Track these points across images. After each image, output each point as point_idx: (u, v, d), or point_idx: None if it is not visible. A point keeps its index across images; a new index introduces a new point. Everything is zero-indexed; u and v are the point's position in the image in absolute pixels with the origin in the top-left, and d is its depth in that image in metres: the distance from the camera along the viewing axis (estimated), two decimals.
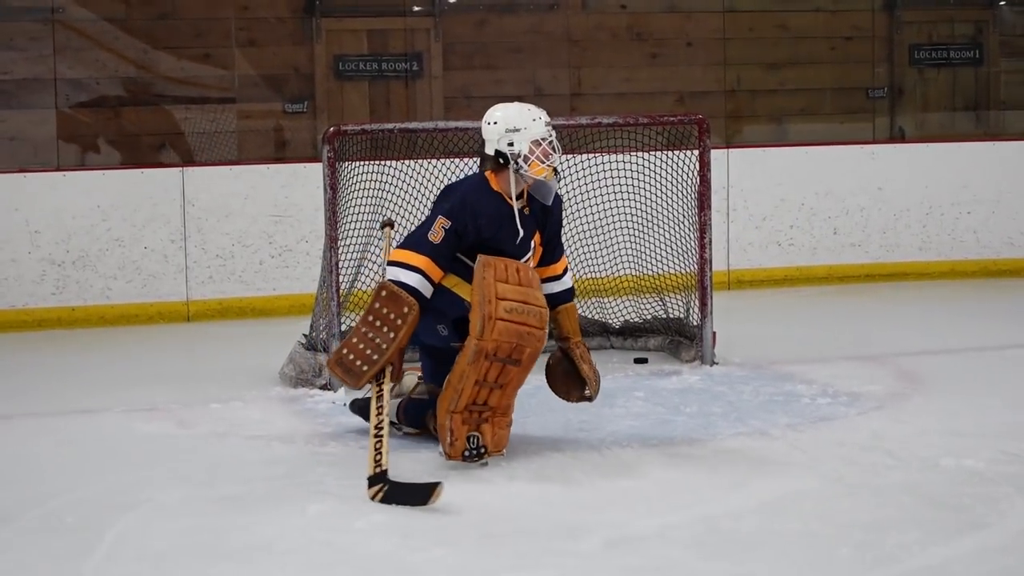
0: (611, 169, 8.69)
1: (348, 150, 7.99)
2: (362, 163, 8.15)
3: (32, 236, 9.95)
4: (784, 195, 11.36)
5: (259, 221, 10.29)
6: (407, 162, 8.39)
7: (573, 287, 6.66)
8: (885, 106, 13.80)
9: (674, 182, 8.56)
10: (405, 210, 8.38)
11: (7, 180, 10.13)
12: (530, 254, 6.35)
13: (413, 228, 6.54)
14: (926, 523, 5.26)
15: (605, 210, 8.91)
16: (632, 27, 13.23)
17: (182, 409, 7.39)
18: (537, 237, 6.39)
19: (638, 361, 8.36)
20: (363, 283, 8.36)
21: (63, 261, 10.00)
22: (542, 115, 6.25)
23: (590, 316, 8.86)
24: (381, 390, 6.07)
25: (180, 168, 10.37)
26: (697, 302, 8.32)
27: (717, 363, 8.19)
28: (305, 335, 8.08)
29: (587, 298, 8.87)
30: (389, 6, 12.81)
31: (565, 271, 6.60)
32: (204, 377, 8.20)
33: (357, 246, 8.19)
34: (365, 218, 8.19)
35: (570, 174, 8.62)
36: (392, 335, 6.04)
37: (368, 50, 12.74)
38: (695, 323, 8.34)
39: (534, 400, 7.35)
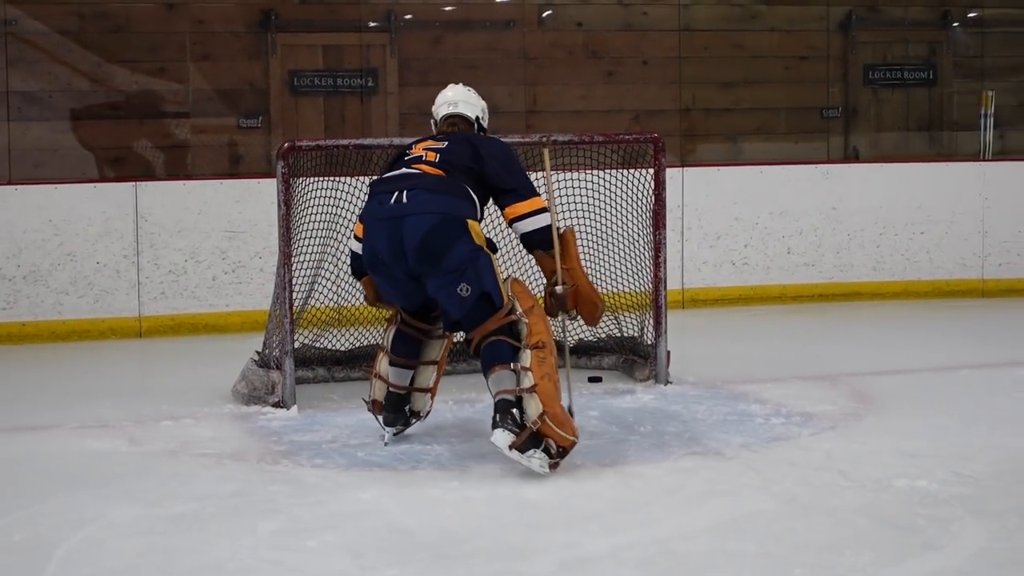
0: (566, 187, 8.69)
1: (302, 166, 7.97)
2: (317, 179, 8.15)
3: None
4: (738, 214, 11.40)
5: (212, 237, 10.26)
6: (362, 178, 8.35)
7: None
8: (839, 126, 13.86)
9: (629, 200, 8.57)
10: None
11: None
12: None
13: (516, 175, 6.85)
14: (880, 544, 5.27)
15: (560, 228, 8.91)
16: (588, 45, 13.27)
17: (134, 426, 7.34)
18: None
19: (592, 380, 8.35)
20: (317, 300, 8.34)
21: (14, 276, 9.94)
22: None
23: None
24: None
25: (133, 183, 10.33)
26: (651, 321, 8.32)
27: (671, 382, 8.19)
28: (258, 352, 8.05)
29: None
30: (345, 22, 12.80)
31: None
32: (156, 394, 8.14)
33: (311, 263, 8.18)
34: (319, 234, 8.18)
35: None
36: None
37: (323, 65, 12.74)
38: (649, 342, 8.34)
39: (487, 420, 7.36)
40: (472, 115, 7.11)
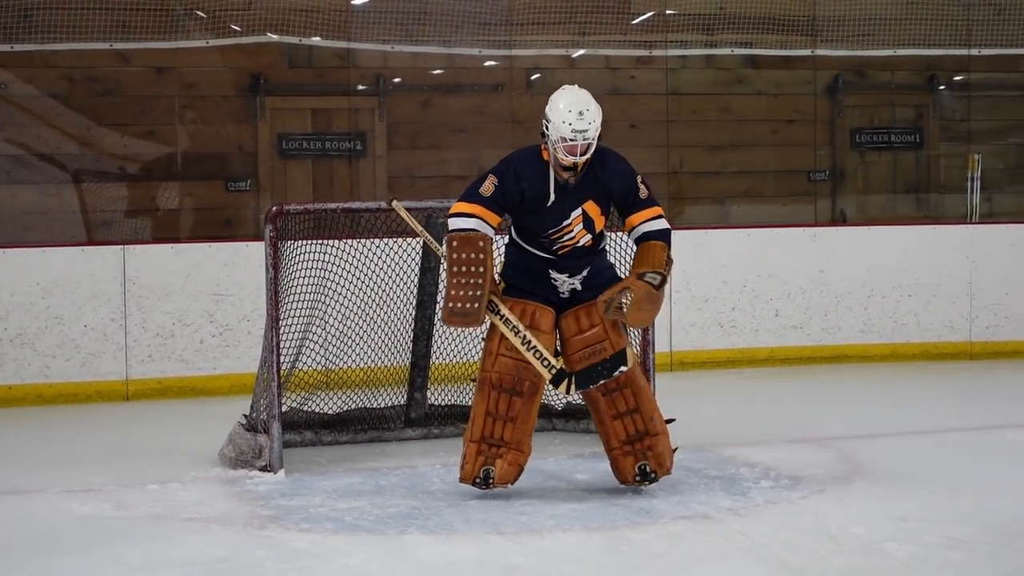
0: None
1: (291, 229, 7.97)
2: (305, 242, 8.15)
3: None
4: (726, 277, 11.42)
5: (200, 300, 10.26)
6: (350, 241, 8.39)
7: (657, 231, 6.89)
8: (827, 188, 13.92)
9: (616, 262, 8.56)
10: (348, 290, 8.37)
11: None
12: (568, 221, 6.78)
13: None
14: None
15: None
16: None
17: (120, 490, 7.32)
18: (592, 206, 6.80)
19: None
20: (304, 363, 8.33)
21: (0, 339, 9.92)
22: (576, 123, 6.66)
23: None
24: (501, 315, 6.76)
25: (121, 246, 10.33)
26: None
27: None
28: (245, 415, 8.03)
29: None
30: (333, 85, 12.85)
31: (648, 220, 6.89)
32: (142, 457, 8.13)
33: (299, 326, 8.17)
34: (307, 297, 8.18)
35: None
36: (480, 269, 6.66)
37: (312, 129, 12.77)
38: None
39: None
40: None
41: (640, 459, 6.85)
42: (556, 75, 13.39)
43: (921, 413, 9.50)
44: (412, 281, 8.48)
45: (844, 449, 8.14)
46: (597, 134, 6.72)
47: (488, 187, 6.75)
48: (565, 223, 6.76)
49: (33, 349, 9.98)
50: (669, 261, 6.82)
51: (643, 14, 13.49)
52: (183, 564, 5.94)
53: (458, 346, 8.82)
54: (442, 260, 7.25)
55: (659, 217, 6.90)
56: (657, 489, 7.06)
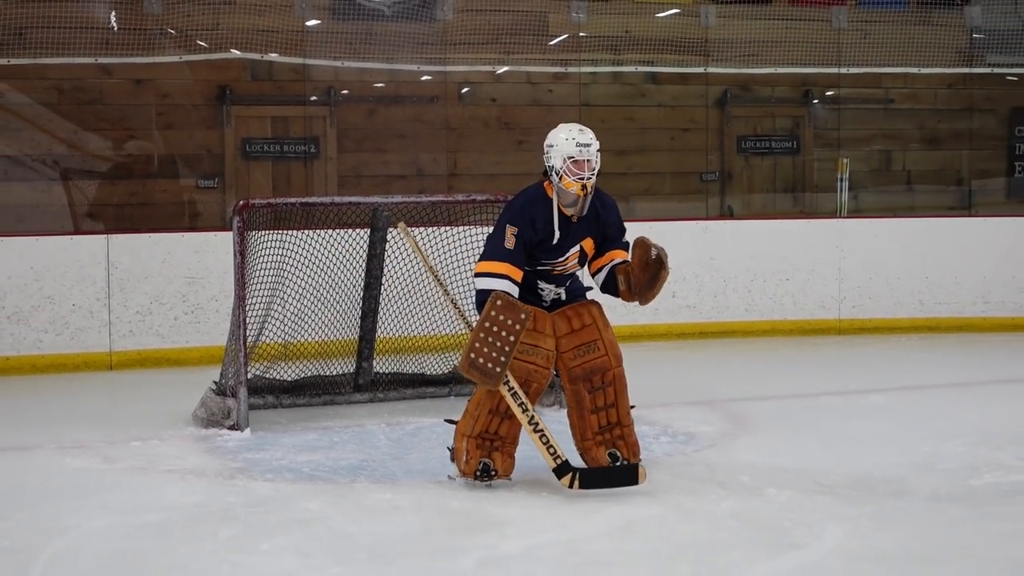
0: (484, 239, 8.71)
1: (255, 221, 7.95)
2: (267, 232, 8.13)
3: None
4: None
5: (175, 282, 10.22)
6: (306, 232, 8.39)
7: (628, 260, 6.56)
8: (716, 188, 13.98)
9: None
10: (304, 273, 8.37)
11: None
12: (566, 256, 6.41)
13: (487, 238, 6.45)
14: (752, 544, 5.35)
15: None
16: (501, 118, 13.35)
17: (107, 446, 7.31)
18: (588, 242, 6.46)
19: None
20: (267, 337, 8.34)
21: None
22: (579, 137, 6.30)
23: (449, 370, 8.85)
24: (514, 389, 6.14)
25: (105, 235, 10.26)
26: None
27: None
28: (215, 382, 8.03)
29: (454, 352, 8.84)
30: (290, 96, 12.80)
31: (624, 258, 6.55)
32: (126, 419, 8.10)
33: (262, 304, 8.17)
34: (269, 280, 8.18)
35: (448, 243, 8.63)
36: (512, 338, 6.07)
37: (272, 134, 12.71)
38: (554, 373, 8.36)
39: (416, 438, 7.41)
40: (547, 165, 6.38)
41: (610, 447, 6.44)
42: (484, 88, 13.42)
43: (797, 380, 9.60)
44: (360, 266, 8.49)
45: (731, 410, 8.24)
46: (599, 156, 6.35)
47: (510, 240, 6.21)
48: (561, 257, 6.39)
49: (28, 325, 9.92)
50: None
51: (559, 36, 13.49)
52: (164, 509, 5.96)
53: (399, 323, 8.84)
54: (457, 301, 6.86)
55: (627, 256, 6.56)
56: (571, 445, 7.02)
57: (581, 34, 13.42)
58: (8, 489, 6.45)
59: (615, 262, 6.52)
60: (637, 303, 6.58)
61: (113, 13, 12.14)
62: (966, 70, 14.45)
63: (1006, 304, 11.74)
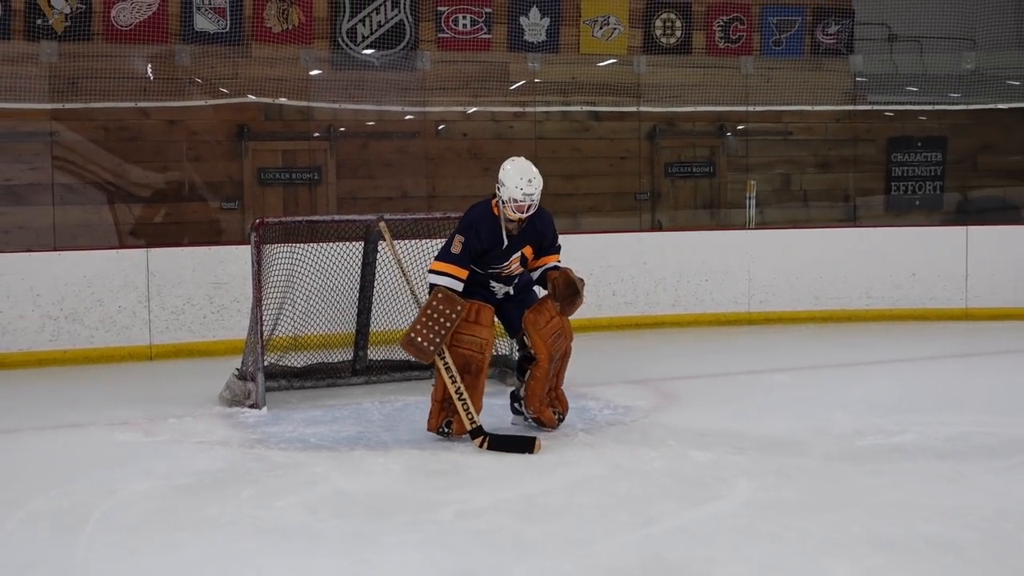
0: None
1: (269, 236, 7.93)
2: (278, 245, 8.11)
3: (35, 298, 9.75)
4: (577, 269, 11.38)
5: (203, 287, 10.19)
6: (311, 244, 8.37)
7: (559, 266, 6.78)
8: (648, 206, 14.02)
9: None
10: (309, 279, 8.35)
11: (16, 258, 9.92)
12: (508, 261, 6.60)
13: (443, 243, 6.70)
14: (679, 496, 5.38)
15: None
16: (471, 149, 13.36)
17: (147, 423, 7.30)
18: (528, 249, 6.64)
19: None
20: (280, 332, 8.32)
21: (58, 316, 9.81)
22: (526, 188, 6.42)
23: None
24: (447, 363, 6.35)
25: (145, 249, 10.21)
26: (516, 345, 8.33)
27: None
28: (238, 369, 8.01)
29: None
30: (297, 133, 12.78)
31: (556, 261, 6.79)
32: (163, 400, 8.08)
33: (275, 305, 8.15)
34: (281, 284, 8.16)
35: (429, 252, 8.59)
36: (448, 324, 6.33)
37: (282, 164, 12.70)
38: (515, 359, 8.37)
39: (404, 413, 7.41)
40: (497, 188, 6.56)
41: (554, 406, 6.76)
42: (456, 125, 13.44)
43: (714, 362, 9.61)
44: (356, 272, 8.47)
45: (661, 387, 8.25)
46: (540, 192, 6.49)
47: (457, 247, 6.44)
48: (505, 262, 6.60)
49: (81, 323, 9.87)
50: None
51: (518, 82, 13.52)
52: (196, 473, 5.97)
53: (389, 319, 8.82)
54: (418, 292, 7.05)
55: (558, 259, 6.80)
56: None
57: (536, 80, 13.44)
58: (67, 458, 6.43)
59: (547, 267, 6.75)
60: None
61: (149, 65, 12.13)
62: (851, 107, 14.55)
63: (885, 298, 11.81)
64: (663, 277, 11.64)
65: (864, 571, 4.37)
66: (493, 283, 6.70)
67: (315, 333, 8.60)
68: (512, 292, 6.78)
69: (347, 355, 8.61)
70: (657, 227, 13.84)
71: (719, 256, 11.75)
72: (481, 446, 6.28)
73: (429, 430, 6.53)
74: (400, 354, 8.75)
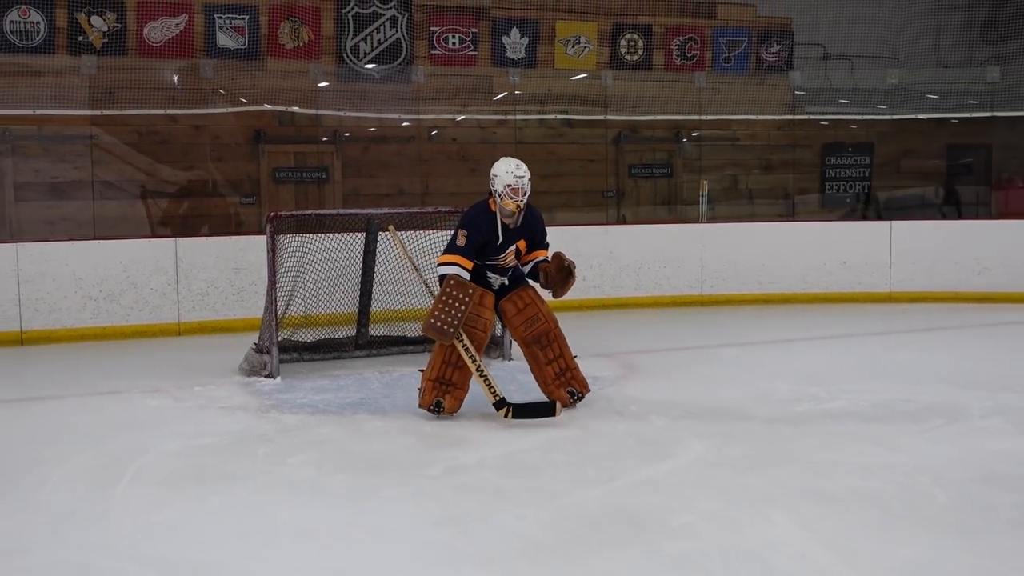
0: (447, 239, 8.66)
1: (282, 227, 7.92)
2: (291, 236, 8.10)
3: (77, 281, 9.71)
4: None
5: (225, 272, 10.16)
6: (319, 235, 8.36)
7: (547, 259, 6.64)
8: (614, 202, 14.05)
9: None
10: (318, 265, 8.34)
11: (61, 246, 9.87)
12: (504, 253, 6.41)
13: (448, 239, 6.50)
14: (639, 454, 5.39)
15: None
16: (459, 152, 13.35)
17: (176, 390, 7.28)
18: (522, 243, 6.47)
19: None
20: (292, 311, 8.30)
21: (97, 297, 9.78)
22: (516, 171, 6.27)
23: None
24: (466, 344, 6.12)
25: (174, 238, 10.20)
26: (499, 321, 8.34)
27: (511, 359, 8.24)
28: (255, 343, 8.00)
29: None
30: (307, 137, 12.76)
31: (545, 256, 6.63)
32: (190, 370, 8.06)
33: (288, 287, 8.13)
34: (293, 270, 8.14)
35: (422, 242, 8.60)
36: (463, 307, 6.10)
37: (294, 165, 12.67)
38: (499, 334, 8.40)
39: (400, 382, 7.40)
40: (492, 186, 6.35)
41: (568, 386, 6.44)
42: (447, 131, 13.43)
43: (671, 337, 9.62)
44: (358, 259, 8.46)
45: (625, 360, 8.25)
46: (529, 183, 6.30)
47: (462, 240, 6.24)
48: (502, 254, 6.41)
49: (118, 304, 9.84)
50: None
51: (501, 93, 13.52)
52: (219, 434, 5.97)
53: (388, 300, 8.80)
54: (428, 283, 6.86)
55: (547, 255, 6.65)
56: (511, 385, 7.11)
57: (517, 92, 13.44)
58: (105, 421, 6.41)
59: (538, 260, 6.61)
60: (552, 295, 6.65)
61: (176, 77, 12.08)
62: (790, 116, 14.58)
63: (819, 283, 11.85)
64: (627, 264, 11.65)
65: (799, 519, 4.40)
66: (490, 274, 6.50)
67: (322, 312, 8.59)
68: (507, 282, 6.57)
69: (351, 331, 8.60)
70: (622, 221, 13.86)
71: (676, 246, 11.76)
72: (506, 416, 6.07)
73: (420, 407, 6.27)
74: (395, 330, 8.77)
